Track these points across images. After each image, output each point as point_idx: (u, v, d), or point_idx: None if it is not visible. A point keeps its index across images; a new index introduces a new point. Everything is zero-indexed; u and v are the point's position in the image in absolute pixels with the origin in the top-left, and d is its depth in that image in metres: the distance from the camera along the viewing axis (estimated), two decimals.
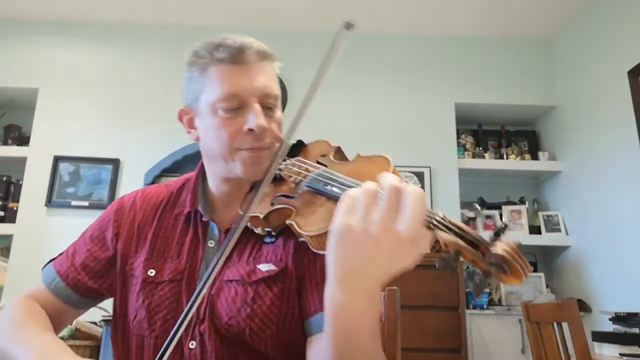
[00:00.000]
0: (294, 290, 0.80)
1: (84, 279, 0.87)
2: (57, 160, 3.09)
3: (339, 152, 0.81)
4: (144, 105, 3.22)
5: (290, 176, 0.76)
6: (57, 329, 0.86)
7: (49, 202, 3.01)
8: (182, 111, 0.89)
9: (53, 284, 0.88)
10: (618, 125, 2.70)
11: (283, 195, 0.74)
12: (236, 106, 0.79)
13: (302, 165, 0.77)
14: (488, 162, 3.29)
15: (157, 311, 0.80)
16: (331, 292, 0.60)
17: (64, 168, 3.09)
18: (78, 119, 3.19)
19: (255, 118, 0.78)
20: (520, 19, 3.27)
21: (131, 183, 3.07)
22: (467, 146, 3.39)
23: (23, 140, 3.24)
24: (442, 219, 0.55)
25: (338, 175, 0.68)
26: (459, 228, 0.54)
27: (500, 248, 0.51)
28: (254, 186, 0.83)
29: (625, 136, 2.63)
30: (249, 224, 0.76)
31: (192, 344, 0.78)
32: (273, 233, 0.77)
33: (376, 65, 3.39)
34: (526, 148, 3.44)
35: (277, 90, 0.84)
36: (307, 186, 0.71)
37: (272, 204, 0.74)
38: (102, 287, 0.88)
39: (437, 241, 0.54)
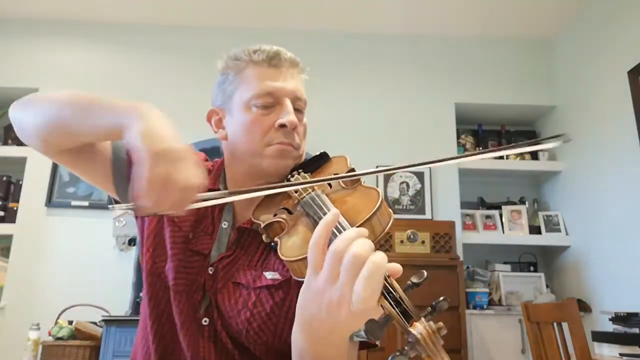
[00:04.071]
0: (296, 303, 0.81)
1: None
2: None
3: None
4: None
5: (296, 192, 0.77)
6: (83, 156, 0.83)
7: (49, 202, 3.01)
8: (212, 111, 0.92)
9: (118, 144, 0.85)
10: (618, 125, 2.70)
11: (285, 209, 0.77)
12: (270, 103, 0.84)
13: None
14: (488, 162, 3.29)
15: (185, 272, 0.83)
16: (295, 332, 0.64)
17: (64, 168, 3.08)
18: None
19: (287, 114, 0.83)
20: (520, 19, 3.27)
21: None
22: (467, 146, 3.39)
23: None
24: (386, 280, 0.53)
25: (327, 204, 0.70)
26: (399, 296, 0.52)
27: (417, 330, 0.46)
28: (268, 195, 0.85)
29: (625, 136, 2.62)
30: (259, 229, 0.79)
31: (205, 321, 0.81)
32: (272, 243, 0.78)
33: (376, 65, 3.39)
34: None
35: (305, 96, 0.89)
36: (301, 207, 0.74)
37: (275, 215, 0.76)
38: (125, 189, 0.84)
39: None
